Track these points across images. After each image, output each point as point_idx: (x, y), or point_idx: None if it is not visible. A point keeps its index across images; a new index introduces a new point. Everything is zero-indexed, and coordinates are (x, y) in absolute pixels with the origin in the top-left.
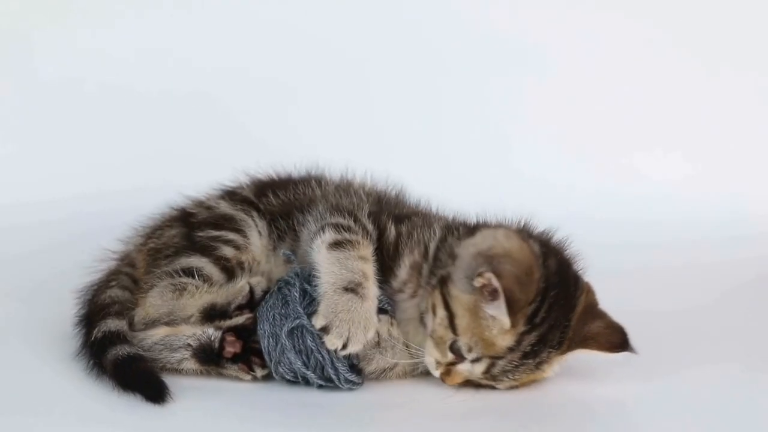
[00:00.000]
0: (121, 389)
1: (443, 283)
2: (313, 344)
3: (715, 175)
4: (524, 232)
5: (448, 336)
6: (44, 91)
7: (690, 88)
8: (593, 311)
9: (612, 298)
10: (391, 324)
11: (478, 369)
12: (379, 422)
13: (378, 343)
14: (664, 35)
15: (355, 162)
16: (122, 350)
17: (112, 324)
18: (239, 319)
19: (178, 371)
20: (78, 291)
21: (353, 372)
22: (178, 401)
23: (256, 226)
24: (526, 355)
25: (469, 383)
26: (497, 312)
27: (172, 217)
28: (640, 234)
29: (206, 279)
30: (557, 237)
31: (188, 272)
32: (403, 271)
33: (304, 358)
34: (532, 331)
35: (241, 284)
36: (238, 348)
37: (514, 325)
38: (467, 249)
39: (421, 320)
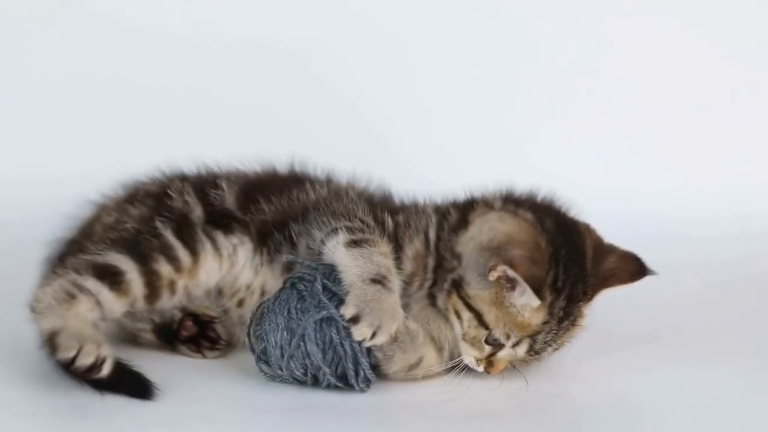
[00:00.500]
0: (101, 390)
1: (458, 286)
2: (338, 337)
3: (731, 171)
4: (511, 205)
5: (481, 333)
6: (18, 80)
7: (704, 82)
8: (602, 249)
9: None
10: (406, 317)
11: (521, 350)
12: (391, 424)
13: (395, 338)
14: (684, 30)
15: (356, 159)
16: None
17: None
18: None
19: (134, 339)
20: None
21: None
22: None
23: (234, 249)
24: (561, 320)
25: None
26: (524, 298)
27: (148, 192)
28: (658, 230)
29: (122, 289)
30: (541, 195)
31: (105, 273)
32: (407, 264)
33: (324, 351)
34: (560, 296)
35: (88, 349)
36: (193, 332)
37: (542, 299)
38: (468, 245)
39: (436, 310)
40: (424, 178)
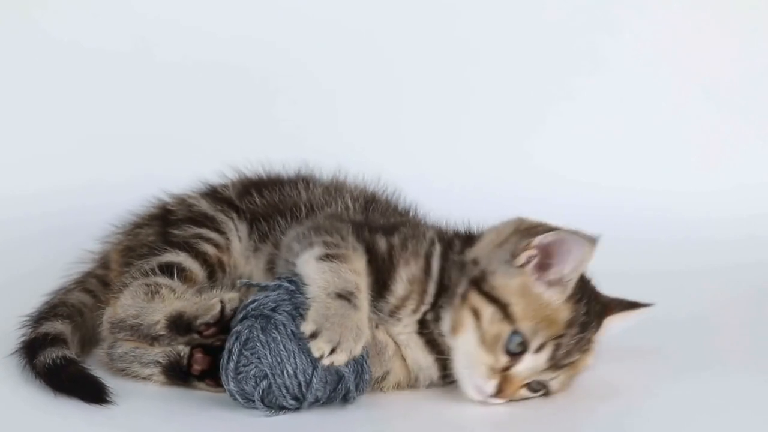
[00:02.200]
0: (55, 392)
1: (478, 282)
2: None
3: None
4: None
5: (505, 329)
6: (12, 77)
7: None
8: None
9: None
10: (376, 327)
11: (542, 358)
12: None
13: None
14: (697, 21)
15: (359, 157)
16: (58, 353)
17: (52, 326)
18: (207, 339)
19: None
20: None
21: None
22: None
23: (236, 229)
24: (582, 328)
25: None
26: (559, 269)
27: (151, 215)
28: (666, 233)
29: (186, 277)
30: None
31: (165, 269)
32: (399, 286)
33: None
34: (581, 300)
35: (214, 301)
36: (206, 365)
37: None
38: (486, 248)
39: (430, 342)
40: (430, 176)
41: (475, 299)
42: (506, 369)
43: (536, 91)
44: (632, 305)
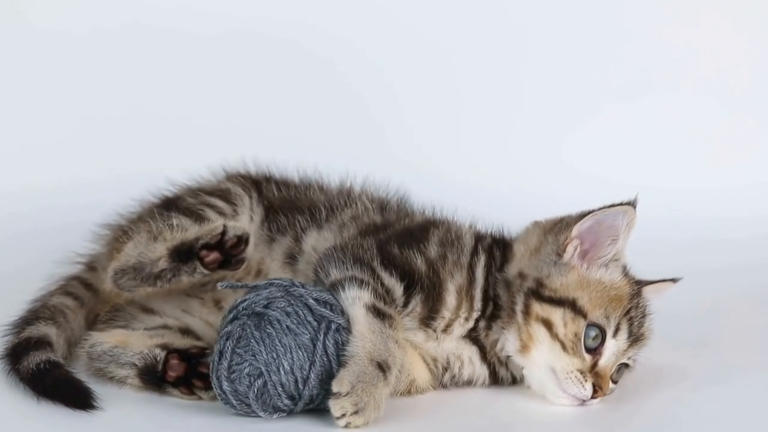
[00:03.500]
0: (39, 397)
1: (536, 292)
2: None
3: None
4: None
5: (581, 324)
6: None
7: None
8: None
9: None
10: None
11: (622, 338)
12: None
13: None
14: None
15: (363, 159)
16: (43, 356)
17: (37, 330)
18: (186, 344)
19: (123, 384)
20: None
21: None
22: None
23: (251, 207)
24: (639, 297)
25: None
26: (609, 246)
27: (153, 203)
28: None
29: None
30: None
31: (173, 212)
32: (451, 297)
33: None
34: (626, 271)
35: (216, 224)
36: (181, 371)
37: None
38: (524, 260)
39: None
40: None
41: (540, 309)
42: (594, 367)
43: (569, 96)
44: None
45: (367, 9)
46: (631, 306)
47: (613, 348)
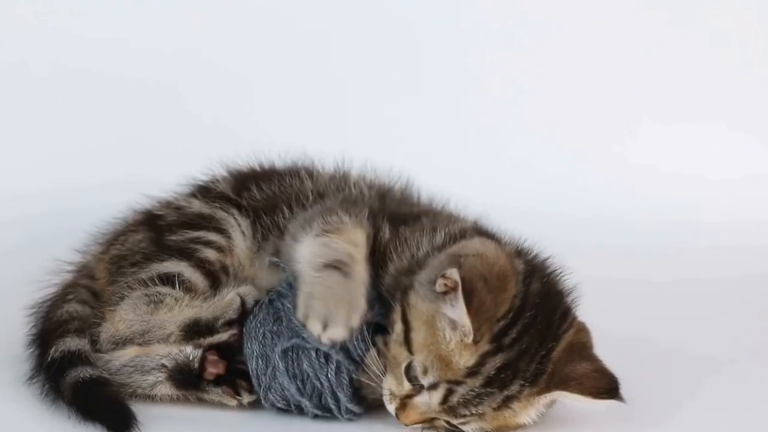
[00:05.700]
0: (81, 417)
1: (405, 292)
2: (311, 369)
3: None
4: (513, 251)
5: (403, 355)
6: None
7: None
8: (582, 352)
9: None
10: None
11: (435, 398)
12: None
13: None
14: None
15: (352, 152)
16: (83, 372)
17: (72, 343)
18: (222, 336)
19: (150, 397)
20: (29, 307)
21: (355, 400)
22: None
23: (239, 225)
24: (490, 382)
25: None
26: (456, 313)
27: (136, 220)
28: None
29: (188, 287)
30: (555, 266)
31: (166, 280)
32: (388, 280)
33: (299, 383)
34: (498, 353)
35: (231, 296)
36: (222, 369)
37: (477, 336)
38: (439, 257)
39: None
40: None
41: (397, 310)
42: (408, 397)
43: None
44: (599, 393)
45: None
46: (463, 382)
47: (425, 398)
